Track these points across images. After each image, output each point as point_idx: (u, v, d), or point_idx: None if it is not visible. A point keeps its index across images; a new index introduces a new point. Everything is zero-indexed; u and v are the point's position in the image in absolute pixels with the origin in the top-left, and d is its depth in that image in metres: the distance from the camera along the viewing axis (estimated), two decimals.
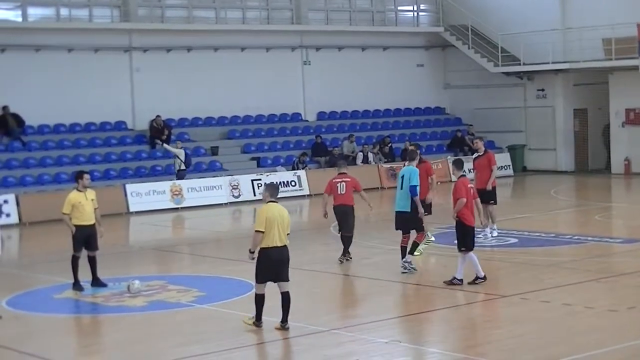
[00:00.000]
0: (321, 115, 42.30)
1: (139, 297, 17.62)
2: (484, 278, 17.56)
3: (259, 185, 35.13)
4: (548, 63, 40.32)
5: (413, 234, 19.44)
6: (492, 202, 23.06)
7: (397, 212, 19.33)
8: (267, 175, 35.65)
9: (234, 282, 18.95)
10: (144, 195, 32.76)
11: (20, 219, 30.54)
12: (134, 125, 37.43)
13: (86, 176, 18.55)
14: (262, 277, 14.60)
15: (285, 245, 14.57)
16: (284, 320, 14.50)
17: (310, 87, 41.76)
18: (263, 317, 14.67)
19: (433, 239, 22.08)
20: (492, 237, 23.03)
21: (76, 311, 17.30)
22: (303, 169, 36.81)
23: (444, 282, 17.84)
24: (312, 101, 41.92)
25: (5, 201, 30.52)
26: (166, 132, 36.63)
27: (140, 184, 33.28)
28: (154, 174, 34.80)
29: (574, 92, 41.67)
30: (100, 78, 36.28)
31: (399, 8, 44.89)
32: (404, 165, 19.69)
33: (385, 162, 39.05)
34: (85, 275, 18.66)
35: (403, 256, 19.30)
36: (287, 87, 41.20)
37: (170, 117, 37.66)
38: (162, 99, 37.12)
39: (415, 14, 45.34)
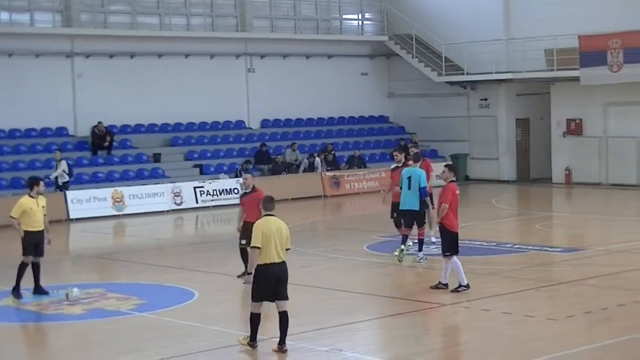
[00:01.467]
0: (265, 123, 42.21)
1: (78, 305, 17.42)
2: (467, 286, 17.54)
3: (202, 192, 34.98)
4: (491, 73, 40.62)
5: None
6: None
7: (403, 210, 20.82)
8: (210, 183, 35.48)
9: (174, 290, 18.80)
10: (85, 202, 32.45)
11: None
12: (76, 132, 37.05)
13: (41, 183, 18.56)
14: (258, 295, 13.75)
15: (283, 262, 13.77)
16: (282, 341, 13.69)
17: (254, 95, 41.66)
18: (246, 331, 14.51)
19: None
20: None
21: (14, 319, 17.03)
22: None
23: (430, 286, 17.89)
24: (256, 109, 41.83)
25: None
26: (108, 138, 36.34)
27: (81, 190, 32.93)
28: (95, 181, 34.48)
29: (516, 102, 42.01)
30: (42, 83, 35.88)
31: (344, 16, 44.98)
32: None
33: (328, 170, 39.02)
34: (27, 283, 18.40)
35: (404, 242, 20.87)
36: (231, 95, 41.05)
37: (113, 123, 37.33)
38: (104, 105, 36.77)
39: (360, 22, 45.45)
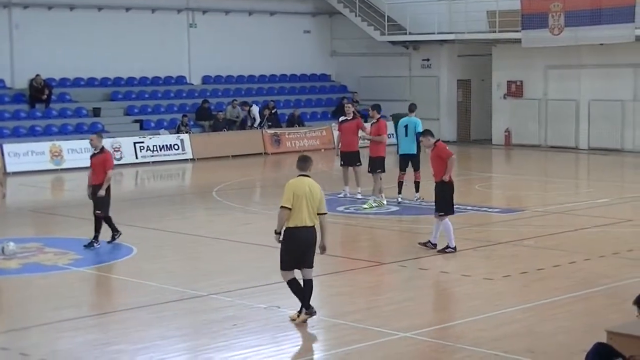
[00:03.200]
0: (206, 79, 41.93)
1: (14, 259, 17.24)
2: (454, 249, 17.48)
3: (142, 148, 34.71)
4: (433, 33, 40.66)
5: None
6: (358, 164, 24.46)
7: (403, 154, 23.58)
8: (150, 138, 35.21)
9: (113, 245, 18.66)
10: (22, 155, 32.05)
11: None
12: (13, 84, 36.49)
13: None
14: (287, 263, 12.90)
15: (313, 226, 12.81)
16: (307, 306, 12.91)
17: (195, 51, 41.30)
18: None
19: (385, 202, 23.17)
20: (346, 197, 24.42)
21: None
22: (186, 132, 36.47)
23: (418, 243, 17.91)
24: (198, 65, 41.49)
25: None
26: (46, 91, 35.86)
27: (18, 144, 32.52)
28: (33, 134, 34.06)
29: (458, 63, 42.13)
30: None
31: None
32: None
33: (269, 126, 38.91)
34: None
35: (399, 191, 23.53)
36: (173, 50, 40.65)
37: (51, 76, 36.83)
38: (43, 58, 36.21)
39: None
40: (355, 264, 17.08)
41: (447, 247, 17.52)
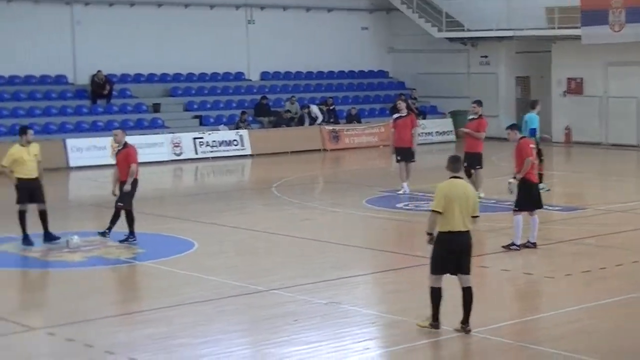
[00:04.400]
0: (265, 75, 42.09)
1: (78, 252, 17.48)
2: (519, 247, 17.34)
3: (201, 143, 34.96)
4: (492, 30, 40.45)
5: None
6: (412, 160, 24.86)
7: None
8: (210, 134, 35.45)
9: (174, 239, 18.87)
10: (85, 150, 32.43)
11: None
12: (75, 80, 36.93)
13: (30, 132, 18.47)
14: (437, 267, 12.31)
15: (468, 231, 12.26)
16: (465, 320, 12.25)
17: (254, 47, 41.48)
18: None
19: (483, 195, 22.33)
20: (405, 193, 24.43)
21: (14, 265, 17.09)
22: (245, 128, 36.66)
23: (501, 246, 17.60)
24: (256, 61, 41.67)
25: None
26: (108, 87, 36.25)
27: (81, 139, 32.90)
28: (94, 130, 34.41)
29: (517, 59, 41.87)
30: (41, 30, 35.66)
31: None
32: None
33: (330, 121, 38.98)
34: (35, 230, 18.46)
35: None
36: (231, 46, 40.87)
37: (112, 72, 37.21)
38: (104, 54, 36.59)
39: None
40: (415, 260, 17.06)
41: (512, 244, 17.42)
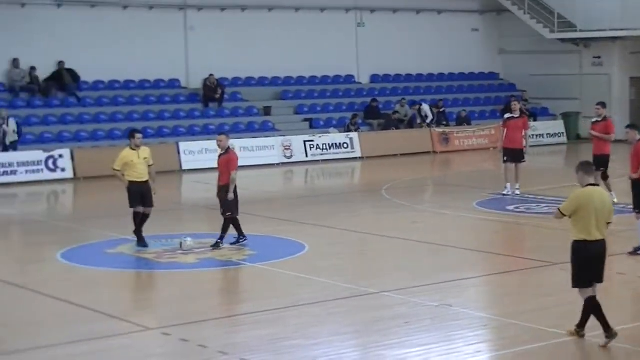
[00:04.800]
0: (374, 78, 42.16)
1: (191, 254, 17.76)
2: None
3: (312, 146, 35.17)
4: (605, 30, 39.81)
5: None
6: (523, 160, 24.85)
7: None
8: (320, 137, 35.66)
9: (285, 242, 19.03)
10: (197, 153, 32.92)
11: (75, 174, 30.81)
12: (188, 84, 37.56)
13: (138, 135, 18.68)
14: (580, 280, 11.92)
15: (604, 239, 11.87)
16: (607, 327, 11.81)
17: (364, 50, 41.59)
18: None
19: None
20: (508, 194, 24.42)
21: (128, 266, 17.43)
22: (356, 131, 36.77)
23: (628, 252, 17.23)
24: (366, 64, 41.77)
25: (61, 156, 30.83)
26: (219, 91, 36.76)
27: (193, 142, 33.41)
28: (207, 133, 34.90)
29: (631, 60, 41.15)
30: (155, 35, 36.40)
31: None
32: None
33: (443, 123, 38.87)
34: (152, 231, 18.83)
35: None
36: (341, 49, 41.04)
37: (224, 76, 37.74)
38: (215, 58, 37.14)
39: None
40: (526, 263, 16.93)
41: (638, 248, 17.09)
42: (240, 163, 32.66)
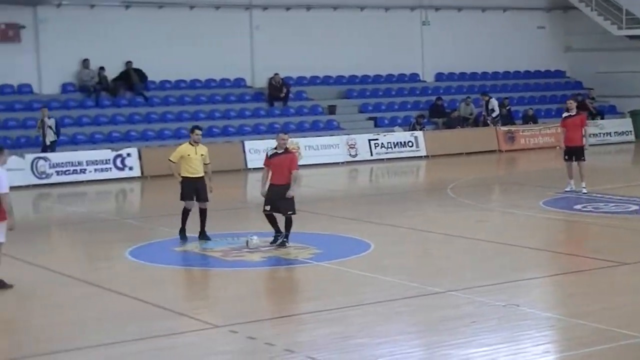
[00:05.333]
0: (439, 77, 42.02)
1: (257, 252, 17.85)
2: None
3: (376, 145, 35.16)
4: None
5: None
6: (583, 159, 24.77)
7: None
8: (384, 135, 35.64)
9: (351, 240, 19.06)
10: (262, 152, 32.95)
11: (142, 172, 31.15)
12: (253, 83, 37.77)
13: (197, 131, 19.10)
14: None
15: None
16: None
17: (428, 48, 41.48)
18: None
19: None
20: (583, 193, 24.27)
21: (195, 264, 17.61)
22: (420, 129, 36.68)
23: None
24: (431, 62, 41.66)
25: (128, 154, 31.20)
26: (284, 90, 36.90)
27: (258, 140, 33.57)
28: (272, 132, 35.04)
29: None
30: (221, 35, 36.65)
31: None
32: None
33: (505, 123, 38.62)
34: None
35: None
36: (406, 48, 40.99)
37: (289, 75, 37.88)
38: (281, 57, 37.30)
39: None
40: (594, 263, 16.77)
41: None
42: (305, 162, 33.42)
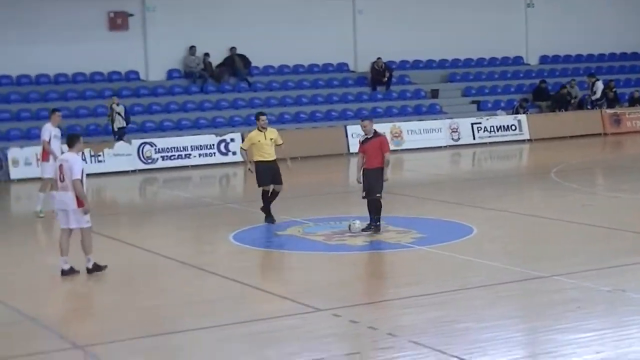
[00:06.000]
0: (544, 59, 41.47)
1: (360, 236, 17.89)
2: None
3: (479, 129, 34.91)
4: None
5: None
6: None
7: None
8: (487, 119, 35.36)
9: (453, 225, 18.98)
10: (360, 137, 32.99)
11: None
12: (356, 67, 37.80)
13: (262, 117, 19.83)
14: None
15: None
16: None
17: (533, 30, 40.95)
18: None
19: None
20: None
21: (298, 248, 17.69)
22: (524, 113, 36.29)
23: None
24: (535, 44, 41.12)
25: (232, 139, 31.53)
26: (387, 74, 36.84)
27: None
28: (374, 116, 34.95)
29: None
30: (324, 20, 36.74)
31: None
32: None
33: (608, 106, 37.99)
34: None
35: None
36: (509, 30, 40.54)
37: (391, 59, 37.80)
38: (383, 41, 37.23)
39: None
40: None
41: None
42: (407, 146, 33.36)
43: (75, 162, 15.18)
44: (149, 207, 24.81)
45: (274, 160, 19.58)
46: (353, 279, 15.18)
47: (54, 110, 22.37)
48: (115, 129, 31.07)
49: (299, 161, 31.04)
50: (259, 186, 19.55)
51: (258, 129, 19.63)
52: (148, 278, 15.70)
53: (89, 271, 15.35)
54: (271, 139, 19.55)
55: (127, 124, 31.31)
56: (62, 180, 15.15)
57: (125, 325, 12.59)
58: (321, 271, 15.99)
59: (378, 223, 18.23)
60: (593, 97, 37.63)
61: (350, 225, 18.32)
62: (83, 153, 26.90)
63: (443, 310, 12.93)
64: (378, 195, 18.17)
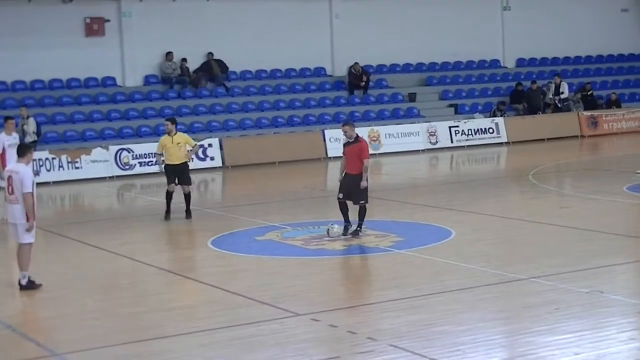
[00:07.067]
0: (520, 62, 41.63)
1: (338, 240, 17.90)
2: None
3: (457, 132, 35.00)
4: None
5: None
6: None
7: None
8: (465, 122, 35.45)
9: (432, 228, 19.03)
10: (342, 141, 33.00)
11: (223, 162, 31.43)
12: (333, 72, 37.84)
13: (166, 123, 21.52)
14: None
15: None
16: None
17: (509, 33, 41.10)
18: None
19: None
20: None
21: (276, 253, 17.66)
22: (501, 116, 36.41)
23: None
24: (512, 47, 41.27)
25: (210, 145, 31.50)
26: (364, 78, 36.89)
27: (339, 129, 33.49)
28: (352, 120, 35.01)
29: None
30: (301, 25, 36.79)
31: None
32: None
33: (586, 109, 38.17)
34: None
35: None
36: (486, 33, 40.68)
37: (369, 63, 37.86)
38: (360, 46, 37.32)
39: None
40: None
41: None
42: (385, 149, 33.39)
43: (26, 173, 14.63)
44: (126, 214, 24.74)
45: (182, 163, 21.21)
46: (332, 283, 15.18)
47: (7, 118, 22.36)
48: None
49: (277, 166, 31.06)
50: (167, 184, 21.16)
51: (167, 134, 21.23)
52: (127, 285, 15.65)
53: (22, 288, 14.84)
54: (178, 144, 21.08)
55: (38, 137, 29.91)
56: (12, 193, 14.64)
57: (105, 332, 12.55)
58: (300, 276, 15.97)
59: (359, 228, 18.24)
60: (562, 97, 37.84)
61: (328, 230, 18.35)
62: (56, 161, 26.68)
63: (422, 313, 12.95)
64: (362, 202, 18.17)
